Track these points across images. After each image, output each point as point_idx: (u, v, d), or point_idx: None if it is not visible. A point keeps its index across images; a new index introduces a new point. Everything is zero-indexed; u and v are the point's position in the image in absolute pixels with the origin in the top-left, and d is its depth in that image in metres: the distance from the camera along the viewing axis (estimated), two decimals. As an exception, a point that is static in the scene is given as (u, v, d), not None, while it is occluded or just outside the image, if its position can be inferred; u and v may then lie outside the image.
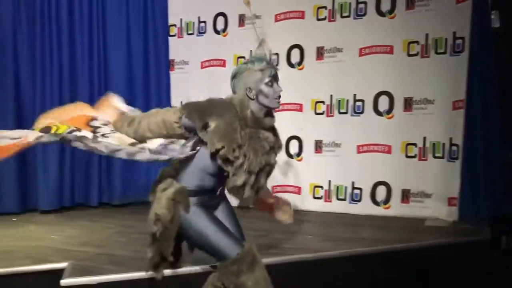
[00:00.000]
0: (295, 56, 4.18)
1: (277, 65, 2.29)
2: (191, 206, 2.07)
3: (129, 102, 4.27)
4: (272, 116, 2.17)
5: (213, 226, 2.06)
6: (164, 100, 4.58)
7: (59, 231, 3.39)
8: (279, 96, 2.11)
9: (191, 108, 2.08)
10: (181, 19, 4.60)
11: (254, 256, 2.00)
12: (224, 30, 4.47)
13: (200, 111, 2.04)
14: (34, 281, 2.43)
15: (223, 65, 4.42)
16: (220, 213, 2.22)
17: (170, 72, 4.65)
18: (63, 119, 2.15)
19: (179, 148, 2.10)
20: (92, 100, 4.19)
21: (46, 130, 2.05)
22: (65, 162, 4.23)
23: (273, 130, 2.18)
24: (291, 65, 4.18)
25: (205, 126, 2.02)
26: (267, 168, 2.13)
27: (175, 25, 4.64)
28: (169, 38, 4.65)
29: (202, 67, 4.52)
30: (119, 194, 4.43)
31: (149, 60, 4.57)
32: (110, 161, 4.32)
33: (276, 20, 4.22)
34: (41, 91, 4.15)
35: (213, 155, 2.03)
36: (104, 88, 4.36)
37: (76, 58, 4.32)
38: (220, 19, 4.47)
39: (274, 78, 2.11)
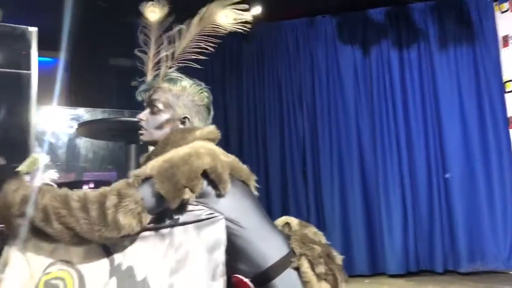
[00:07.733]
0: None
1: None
2: None
3: (467, 164, 4.32)
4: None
5: None
6: (505, 160, 4.33)
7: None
8: (139, 127, 1.49)
9: None
10: (516, 74, 4.36)
11: None
12: None
13: None
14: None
15: None
16: None
17: (510, 129, 4.38)
18: None
19: None
20: (429, 169, 4.41)
21: None
22: (408, 227, 4.41)
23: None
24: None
25: None
26: None
27: (510, 81, 4.42)
28: (505, 94, 4.43)
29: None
30: (465, 261, 4.27)
31: (485, 120, 4.41)
32: (454, 226, 4.30)
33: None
34: (382, 164, 4.55)
35: None
36: (440, 154, 4.45)
37: (411, 128, 4.58)
38: None
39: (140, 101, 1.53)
